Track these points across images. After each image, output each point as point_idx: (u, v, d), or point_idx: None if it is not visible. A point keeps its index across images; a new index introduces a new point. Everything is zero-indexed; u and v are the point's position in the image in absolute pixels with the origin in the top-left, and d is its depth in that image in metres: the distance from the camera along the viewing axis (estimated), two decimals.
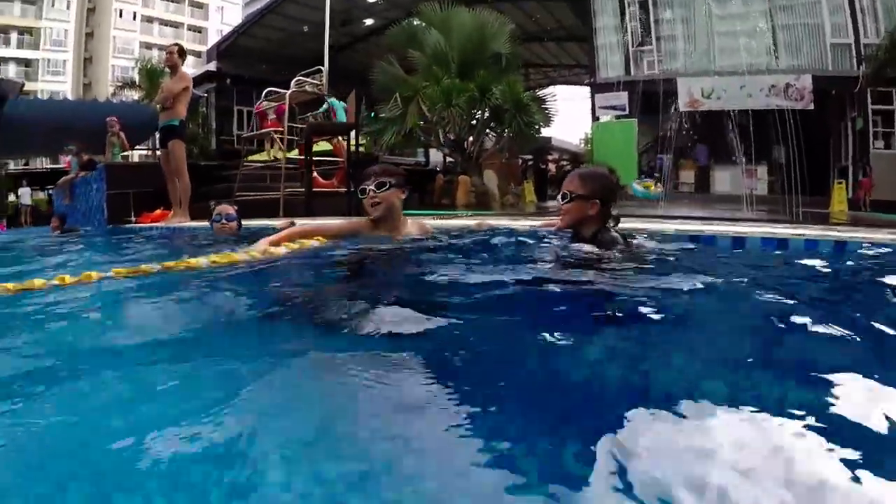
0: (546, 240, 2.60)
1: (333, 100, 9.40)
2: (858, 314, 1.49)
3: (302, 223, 3.13)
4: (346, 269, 2.32)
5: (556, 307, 1.61)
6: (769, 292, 1.68)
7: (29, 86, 26.60)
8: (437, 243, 2.62)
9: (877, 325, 1.29)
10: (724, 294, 1.72)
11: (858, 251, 2.62)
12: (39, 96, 24.36)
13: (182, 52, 6.81)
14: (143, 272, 2.03)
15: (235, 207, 4.15)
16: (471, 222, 3.66)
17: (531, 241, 2.62)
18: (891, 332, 1.23)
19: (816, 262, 2.35)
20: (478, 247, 2.77)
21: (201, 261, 2.23)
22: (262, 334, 1.40)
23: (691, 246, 2.82)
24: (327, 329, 1.36)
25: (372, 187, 2.46)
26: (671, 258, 2.42)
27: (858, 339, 1.17)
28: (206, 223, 5.14)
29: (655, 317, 1.43)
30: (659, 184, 11.85)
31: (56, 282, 1.86)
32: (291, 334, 1.39)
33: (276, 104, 9.52)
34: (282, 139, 9.16)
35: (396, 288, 1.90)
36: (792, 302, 1.56)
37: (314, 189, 8.67)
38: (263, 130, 9.71)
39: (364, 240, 2.56)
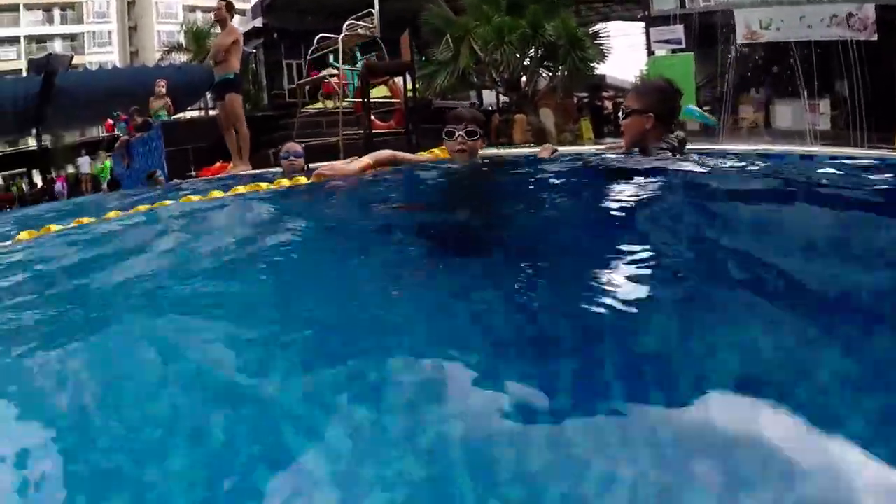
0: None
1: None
2: None
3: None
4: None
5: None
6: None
7: (77, 59, 27.20)
8: (512, 168, 2.81)
9: None
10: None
11: None
12: (88, 68, 24.98)
13: (230, 7, 6.79)
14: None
15: (302, 145, 4.31)
16: (537, 149, 3.71)
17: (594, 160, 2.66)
18: None
19: None
20: (545, 169, 2.84)
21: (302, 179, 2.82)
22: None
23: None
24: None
25: (462, 133, 2.48)
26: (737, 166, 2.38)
27: None
28: (269, 170, 5.35)
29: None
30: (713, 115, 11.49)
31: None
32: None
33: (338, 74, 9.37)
34: (338, 85, 9.21)
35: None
36: None
37: (373, 131, 8.75)
38: (319, 75, 9.76)
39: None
